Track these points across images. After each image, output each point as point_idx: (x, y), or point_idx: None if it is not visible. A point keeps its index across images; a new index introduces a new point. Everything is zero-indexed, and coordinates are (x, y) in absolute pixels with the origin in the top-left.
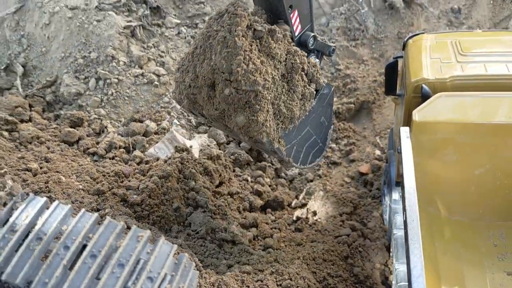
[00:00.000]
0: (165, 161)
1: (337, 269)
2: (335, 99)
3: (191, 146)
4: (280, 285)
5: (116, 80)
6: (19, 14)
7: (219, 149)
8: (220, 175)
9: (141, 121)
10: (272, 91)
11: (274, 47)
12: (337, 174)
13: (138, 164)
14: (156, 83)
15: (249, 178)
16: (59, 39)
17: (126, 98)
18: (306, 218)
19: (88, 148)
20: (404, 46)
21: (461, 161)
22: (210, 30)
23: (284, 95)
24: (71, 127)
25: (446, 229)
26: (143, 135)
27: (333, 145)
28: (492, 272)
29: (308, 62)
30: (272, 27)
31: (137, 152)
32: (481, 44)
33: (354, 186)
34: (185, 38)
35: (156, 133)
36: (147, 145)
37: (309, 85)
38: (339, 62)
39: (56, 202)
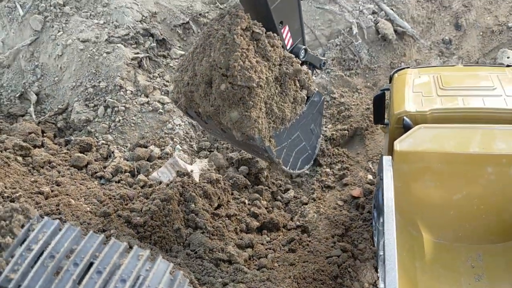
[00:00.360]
0: (167, 185)
1: None
2: (329, 125)
3: (192, 171)
4: None
5: (123, 108)
6: (34, 46)
7: (219, 173)
8: (218, 198)
9: (146, 147)
10: (265, 91)
11: (270, 50)
12: (331, 197)
13: (142, 187)
14: (160, 110)
15: (246, 201)
16: (71, 69)
17: (133, 124)
18: (300, 239)
19: (96, 172)
20: (390, 79)
21: (439, 188)
22: (211, 30)
23: (276, 96)
24: (80, 152)
25: (427, 250)
26: (147, 160)
27: (327, 170)
28: None
29: (302, 70)
30: (270, 32)
31: (141, 176)
32: (460, 79)
33: (347, 209)
34: None
35: (159, 157)
36: (151, 170)
37: (301, 91)
38: (334, 91)
39: (68, 224)
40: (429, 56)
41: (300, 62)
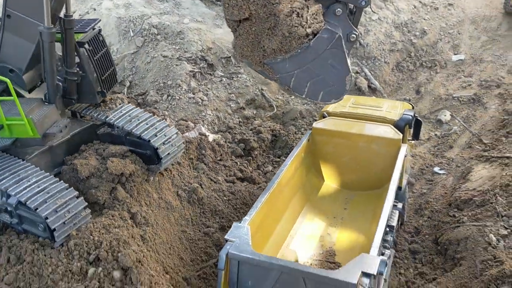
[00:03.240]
0: (192, 138)
1: None
2: None
3: (208, 135)
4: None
5: (178, 98)
6: (134, 55)
7: (225, 143)
8: (221, 155)
9: (186, 121)
10: (255, 25)
11: None
12: None
13: None
14: (200, 104)
15: (238, 163)
16: (153, 71)
17: (181, 108)
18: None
19: None
20: None
21: (336, 152)
22: None
23: (268, 30)
24: None
25: (323, 189)
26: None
27: None
28: (337, 209)
29: (307, 12)
30: None
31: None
32: (366, 101)
33: None
34: (224, 84)
35: (192, 128)
36: (185, 131)
37: (303, 27)
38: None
39: (138, 108)
40: None
41: (330, 3)
